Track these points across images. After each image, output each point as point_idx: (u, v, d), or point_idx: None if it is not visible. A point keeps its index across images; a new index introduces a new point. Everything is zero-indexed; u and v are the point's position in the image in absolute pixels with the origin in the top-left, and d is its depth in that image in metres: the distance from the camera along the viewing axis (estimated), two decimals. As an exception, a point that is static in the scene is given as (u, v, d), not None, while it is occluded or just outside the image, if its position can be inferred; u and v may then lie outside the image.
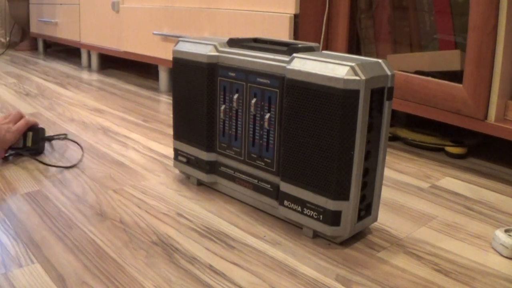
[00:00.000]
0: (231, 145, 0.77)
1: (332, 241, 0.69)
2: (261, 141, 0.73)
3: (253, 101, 0.73)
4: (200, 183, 0.87)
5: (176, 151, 0.87)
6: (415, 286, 0.60)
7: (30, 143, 1.00)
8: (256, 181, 0.75)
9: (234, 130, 0.76)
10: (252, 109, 0.73)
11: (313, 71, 0.63)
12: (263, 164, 0.73)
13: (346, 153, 0.62)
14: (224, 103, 0.77)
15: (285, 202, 0.70)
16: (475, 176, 0.96)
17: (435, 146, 1.10)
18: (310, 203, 0.67)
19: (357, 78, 0.60)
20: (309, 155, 0.65)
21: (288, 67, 0.66)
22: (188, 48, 0.80)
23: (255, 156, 0.74)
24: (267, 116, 0.71)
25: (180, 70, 0.82)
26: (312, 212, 0.67)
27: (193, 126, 0.81)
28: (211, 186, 0.86)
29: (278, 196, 0.72)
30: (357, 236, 0.71)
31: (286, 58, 0.69)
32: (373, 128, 0.64)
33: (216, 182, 0.83)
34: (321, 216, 0.66)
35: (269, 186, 0.74)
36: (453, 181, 0.93)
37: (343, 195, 0.64)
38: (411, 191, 0.88)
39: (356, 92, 0.60)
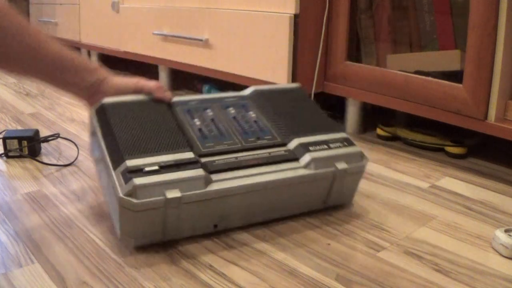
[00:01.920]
0: (220, 141, 0.72)
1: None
2: (252, 129, 0.76)
3: (229, 109, 0.79)
4: None
5: (136, 169, 0.64)
6: (415, 286, 0.60)
7: (27, 151, 1.00)
8: (267, 153, 0.72)
9: (216, 131, 0.74)
10: (230, 113, 0.78)
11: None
12: (266, 141, 0.73)
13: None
14: (193, 118, 0.76)
15: (310, 147, 0.73)
16: (475, 176, 0.96)
17: (435, 146, 1.10)
18: (331, 140, 0.76)
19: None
20: (302, 116, 0.79)
21: (252, 89, 0.84)
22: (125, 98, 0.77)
23: (252, 139, 0.73)
24: (250, 113, 0.79)
25: (120, 109, 0.73)
26: (337, 144, 0.75)
27: (161, 139, 0.69)
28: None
29: (297, 152, 0.73)
30: (357, 236, 0.71)
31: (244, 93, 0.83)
32: None
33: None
34: (345, 142, 0.76)
35: (283, 151, 0.72)
36: (453, 181, 0.93)
37: (342, 127, 0.75)
38: (411, 191, 0.88)
39: None
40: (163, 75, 1.72)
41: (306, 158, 0.71)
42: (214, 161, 0.68)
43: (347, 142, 0.76)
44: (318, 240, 0.70)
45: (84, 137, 1.16)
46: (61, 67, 0.73)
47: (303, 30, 1.18)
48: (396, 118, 1.34)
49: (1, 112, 1.38)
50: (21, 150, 0.99)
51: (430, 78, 1.02)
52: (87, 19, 2.10)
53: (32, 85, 1.80)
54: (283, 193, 0.71)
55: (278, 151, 0.72)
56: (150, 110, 0.74)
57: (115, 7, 1.85)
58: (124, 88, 0.77)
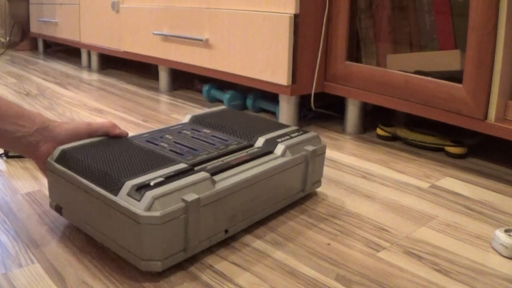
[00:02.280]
0: (196, 154, 0.72)
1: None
2: (215, 141, 0.78)
3: (184, 131, 0.81)
4: None
5: (142, 185, 0.61)
6: (415, 286, 0.60)
7: None
8: (245, 152, 0.74)
9: (186, 148, 0.74)
10: (187, 134, 0.80)
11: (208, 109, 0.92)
12: (235, 146, 0.76)
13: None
14: (158, 144, 0.75)
15: (278, 140, 0.78)
16: (475, 176, 0.96)
17: (435, 146, 1.10)
18: (288, 132, 0.83)
19: None
20: (250, 123, 0.85)
21: (190, 116, 0.88)
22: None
23: (223, 147, 0.76)
24: (204, 131, 0.82)
25: (83, 150, 0.70)
26: (296, 133, 0.82)
27: (144, 161, 0.67)
28: None
29: (269, 147, 0.77)
30: (357, 236, 0.71)
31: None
32: None
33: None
34: (301, 131, 0.83)
35: (256, 149, 0.76)
36: (453, 181, 0.93)
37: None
38: (411, 191, 0.88)
39: None
40: (163, 75, 1.73)
41: (280, 148, 0.76)
42: (205, 167, 0.68)
43: (303, 131, 0.83)
44: (318, 240, 0.70)
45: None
46: None
47: (303, 30, 1.18)
48: (396, 118, 1.34)
49: None
50: None
51: (430, 78, 1.02)
52: (87, 19, 2.10)
53: (32, 85, 1.80)
54: (273, 183, 0.74)
55: (251, 150, 0.76)
56: (114, 145, 0.72)
57: (115, 7, 1.85)
58: (75, 133, 0.72)
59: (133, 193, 0.59)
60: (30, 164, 0.97)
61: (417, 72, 1.07)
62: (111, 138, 0.75)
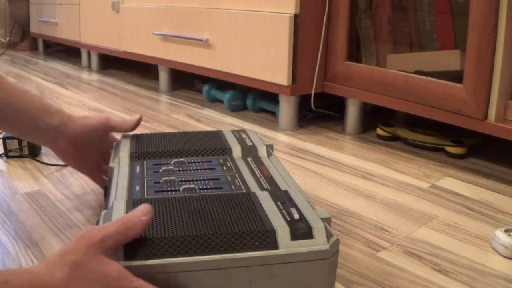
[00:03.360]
0: (231, 181, 0.63)
1: None
2: (207, 164, 0.69)
3: (161, 170, 0.66)
4: None
5: (293, 222, 0.52)
6: (415, 286, 0.60)
7: (27, 151, 1.00)
8: (251, 164, 0.71)
9: (209, 180, 0.64)
10: (174, 170, 0.67)
11: None
12: (232, 163, 0.69)
13: None
14: (179, 190, 0.60)
15: (249, 143, 0.75)
16: (475, 176, 0.96)
17: (435, 146, 1.10)
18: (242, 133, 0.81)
19: None
20: (195, 138, 0.78)
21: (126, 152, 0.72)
22: None
23: (225, 167, 0.68)
24: (174, 160, 0.70)
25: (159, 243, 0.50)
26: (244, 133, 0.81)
27: (235, 207, 0.55)
28: None
29: (248, 151, 0.73)
30: (357, 236, 0.71)
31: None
32: None
33: None
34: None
35: (251, 158, 0.72)
36: (453, 181, 0.93)
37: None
38: (411, 191, 0.88)
39: None
40: (163, 75, 1.72)
41: (263, 150, 0.74)
42: (266, 188, 0.61)
43: (240, 130, 0.82)
44: (318, 240, 0.70)
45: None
46: (16, 109, 0.68)
47: (303, 30, 1.18)
48: (396, 118, 1.34)
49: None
50: (21, 150, 0.99)
51: (430, 78, 1.02)
52: (87, 19, 2.10)
53: (32, 85, 1.80)
54: None
55: (248, 160, 0.71)
56: (158, 210, 0.54)
57: (115, 7, 1.85)
58: (91, 129, 0.74)
59: (299, 234, 0.50)
60: (30, 164, 0.97)
61: (417, 72, 1.08)
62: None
